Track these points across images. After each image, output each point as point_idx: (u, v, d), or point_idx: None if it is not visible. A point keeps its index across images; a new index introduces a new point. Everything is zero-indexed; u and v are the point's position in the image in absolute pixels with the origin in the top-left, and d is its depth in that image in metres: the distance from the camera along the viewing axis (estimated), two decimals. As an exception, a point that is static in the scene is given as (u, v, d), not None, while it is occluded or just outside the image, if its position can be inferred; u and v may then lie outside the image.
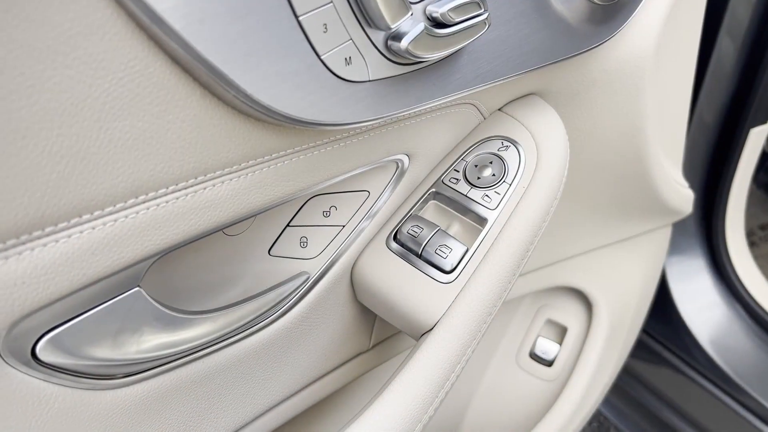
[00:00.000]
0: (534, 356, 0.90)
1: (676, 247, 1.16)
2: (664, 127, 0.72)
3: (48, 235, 0.28)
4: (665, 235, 0.98)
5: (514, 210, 0.49)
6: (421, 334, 0.46)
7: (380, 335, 0.61)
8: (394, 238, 0.49)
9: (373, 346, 0.61)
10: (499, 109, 0.54)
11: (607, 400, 1.34)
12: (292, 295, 0.45)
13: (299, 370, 0.51)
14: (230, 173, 0.34)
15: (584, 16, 0.48)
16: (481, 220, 0.49)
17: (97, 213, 0.29)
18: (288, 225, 0.45)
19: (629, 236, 0.89)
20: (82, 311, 0.32)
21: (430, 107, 0.43)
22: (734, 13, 0.92)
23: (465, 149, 0.52)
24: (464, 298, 0.45)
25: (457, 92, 0.42)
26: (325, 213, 0.46)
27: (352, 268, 0.49)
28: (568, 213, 0.73)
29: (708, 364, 1.15)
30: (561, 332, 0.91)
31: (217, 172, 0.34)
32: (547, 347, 0.90)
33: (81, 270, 0.30)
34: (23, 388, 0.31)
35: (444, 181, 0.51)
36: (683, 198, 0.85)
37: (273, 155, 0.36)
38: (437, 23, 0.36)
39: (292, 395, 0.52)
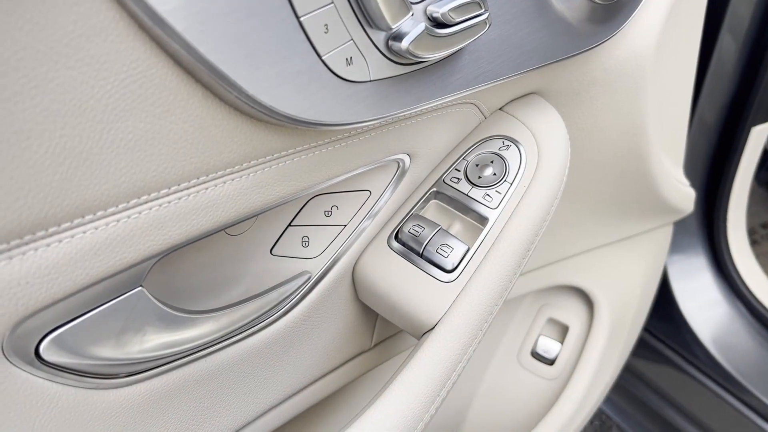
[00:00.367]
0: (535, 355, 0.90)
1: (677, 245, 1.16)
2: (665, 125, 0.72)
3: (51, 235, 0.28)
4: (666, 233, 0.98)
5: (515, 209, 0.49)
6: (422, 333, 0.46)
7: (382, 334, 0.61)
8: (396, 237, 0.49)
9: (375, 346, 0.61)
10: (499, 109, 0.54)
11: (609, 399, 1.34)
12: (293, 294, 0.45)
13: (301, 369, 0.51)
14: (232, 173, 0.34)
15: (585, 15, 0.48)
16: (483, 220, 0.49)
17: (99, 213, 0.30)
18: (290, 225, 0.45)
19: (630, 235, 0.88)
20: (85, 311, 0.33)
21: (431, 107, 0.43)
22: (735, 12, 0.92)
23: (466, 148, 0.52)
24: (465, 297, 0.45)
25: (458, 92, 0.42)
26: (326, 212, 0.46)
27: (354, 267, 0.49)
28: (569, 212, 0.73)
29: (710, 362, 1.15)
30: (562, 331, 0.91)
31: (219, 173, 0.34)
32: (548, 346, 0.90)
33: (84, 270, 0.30)
34: (27, 388, 0.32)
35: (445, 181, 0.51)
36: (684, 196, 0.85)
37: (275, 155, 0.36)
38: (438, 23, 0.36)
39: (294, 394, 0.52)
